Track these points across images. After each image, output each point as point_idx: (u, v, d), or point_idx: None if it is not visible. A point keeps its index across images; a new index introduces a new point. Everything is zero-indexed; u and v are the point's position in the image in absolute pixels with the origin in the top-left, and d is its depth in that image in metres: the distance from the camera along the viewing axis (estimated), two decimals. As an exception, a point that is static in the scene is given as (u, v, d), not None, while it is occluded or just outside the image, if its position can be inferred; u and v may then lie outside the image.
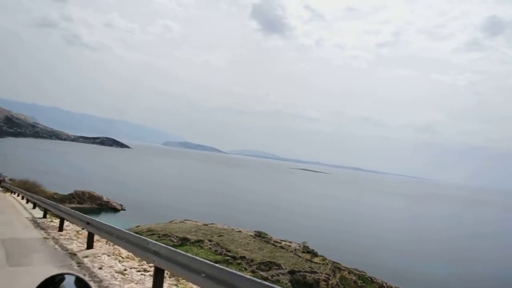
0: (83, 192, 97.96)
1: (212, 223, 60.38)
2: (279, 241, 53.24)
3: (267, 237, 53.63)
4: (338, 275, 50.60)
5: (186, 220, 69.04)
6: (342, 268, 54.14)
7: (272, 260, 46.43)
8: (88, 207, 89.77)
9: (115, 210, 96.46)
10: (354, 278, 53.71)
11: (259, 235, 53.72)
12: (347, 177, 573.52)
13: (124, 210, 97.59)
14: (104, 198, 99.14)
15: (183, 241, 50.11)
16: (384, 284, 62.22)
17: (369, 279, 61.21)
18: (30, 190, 42.73)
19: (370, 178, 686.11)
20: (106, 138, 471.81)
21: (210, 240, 50.12)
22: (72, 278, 2.31)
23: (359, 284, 53.08)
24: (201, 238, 50.85)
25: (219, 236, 51.99)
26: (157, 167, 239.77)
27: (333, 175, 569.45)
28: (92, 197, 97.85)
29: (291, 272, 45.44)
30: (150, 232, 55.59)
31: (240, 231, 55.05)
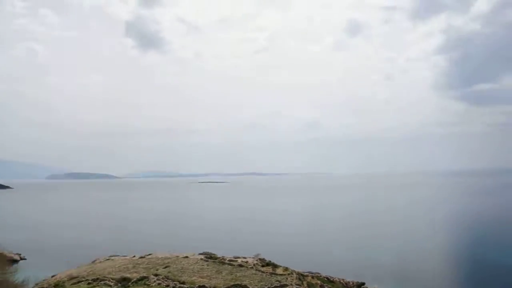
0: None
1: (149, 254, 51.57)
2: (234, 259, 46.82)
3: (220, 258, 46.83)
4: (305, 283, 45.92)
5: (112, 256, 58.81)
6: (304, 274, 49.71)
7: (236, 283, 39.92)
8: (-23, 265, 73.12)
9: (13, 261, 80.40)
10: (318, 282, 49.56)
11: (210, 257, 46.70)
12: (247, 183, 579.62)
13: (25, 259, 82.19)
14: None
15: (124, 282, 41.06)
16: (342, 281, 59.64)
17: (325, 279, 57.98)
18: None
19: (268, 180, 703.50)
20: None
21: (156, 275, 41.83)
22: None
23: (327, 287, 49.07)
24: (144, 274, 42.25)
25: (165, 267, 43.84)
26: (48, 205, 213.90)
27: (233, 184, 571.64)
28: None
29: (262, 292, 39.40)
30: (75, 280, 45.13)
31: (186, 257, 47.39)
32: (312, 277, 49.93)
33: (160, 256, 49.07)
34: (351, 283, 61.29)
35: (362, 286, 61.34)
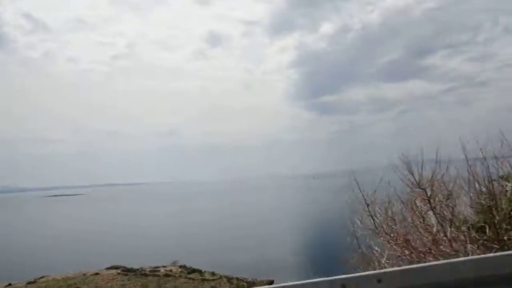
0: None
1: (41, 277, 41.34)
2: (155, 269, 40.43)
3: (138, 269, 39.96)
4: (234, 285, 42.06)
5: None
6: (229, 276, 45.70)
7: (171, 296, 34.11)
8: None
9: None
10: (245, 284, 46.06)
11: (128, 270, 39.47)
12: (106, 194, 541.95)
13: None
14: None
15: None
16: (255, 281, 57.23)
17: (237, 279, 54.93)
18: None
19: (128, 190, 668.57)
20: None
21: (63, 301, 33.39)
22: None
23: (252, 289, 45.83)
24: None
25: (73, 290, 35.39)
26: None
27: (90, 195, 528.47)
28: None
29: (202, 302, 34.37)
30: None
31: (97, 273, 39.19)
32: (237, 279, 46.22)
33: (58, 278, 39.49)
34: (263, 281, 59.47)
35: (272, 285, 60.15)
